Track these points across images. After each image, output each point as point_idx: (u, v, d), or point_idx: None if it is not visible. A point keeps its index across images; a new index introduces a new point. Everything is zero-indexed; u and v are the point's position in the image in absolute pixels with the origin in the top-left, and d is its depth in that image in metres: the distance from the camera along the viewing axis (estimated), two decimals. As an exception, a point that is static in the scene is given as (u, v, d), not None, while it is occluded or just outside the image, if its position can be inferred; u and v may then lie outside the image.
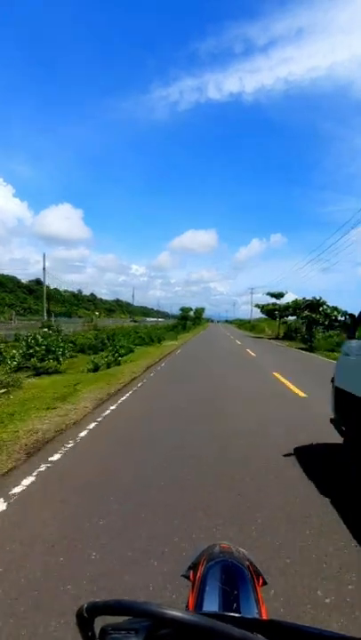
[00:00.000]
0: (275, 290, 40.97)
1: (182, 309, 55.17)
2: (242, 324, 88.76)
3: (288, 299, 38.09)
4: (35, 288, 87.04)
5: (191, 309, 62.23)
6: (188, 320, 54.05)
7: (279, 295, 39.84)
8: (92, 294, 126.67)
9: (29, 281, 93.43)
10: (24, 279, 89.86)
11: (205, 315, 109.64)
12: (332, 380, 4.23)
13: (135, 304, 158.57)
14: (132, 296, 72.03)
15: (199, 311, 74.16)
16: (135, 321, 55.59)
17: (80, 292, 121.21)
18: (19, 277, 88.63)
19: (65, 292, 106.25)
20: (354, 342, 3.86)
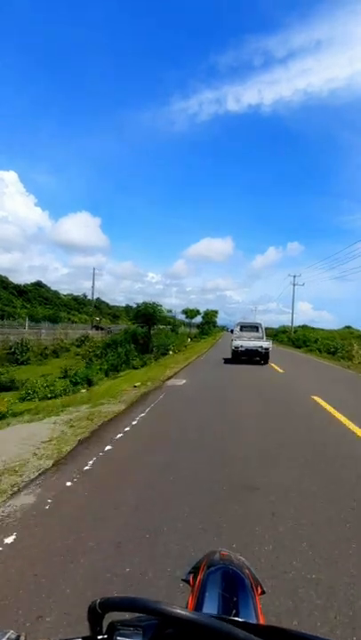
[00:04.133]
0: None
1: (146, 304, 24.99)
2: (275, 336, 44.63)
3: None
4: (28, 289, 79.23)
5: (198, 312, 46.83)
6: (160, 324, 27.31)
7: None
8: (97, 299, 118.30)
9: (26, 284, 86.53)
10: (24, 282, 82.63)
11: (219, 323, 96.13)
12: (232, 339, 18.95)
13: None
14: (94, 290, 56.77)
15: (210, 315, 60.12)
16: (100, 328, 37.56)
17: (85, 296, 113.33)
18: (19, 281, 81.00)
19: (66, 295, 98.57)
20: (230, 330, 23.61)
